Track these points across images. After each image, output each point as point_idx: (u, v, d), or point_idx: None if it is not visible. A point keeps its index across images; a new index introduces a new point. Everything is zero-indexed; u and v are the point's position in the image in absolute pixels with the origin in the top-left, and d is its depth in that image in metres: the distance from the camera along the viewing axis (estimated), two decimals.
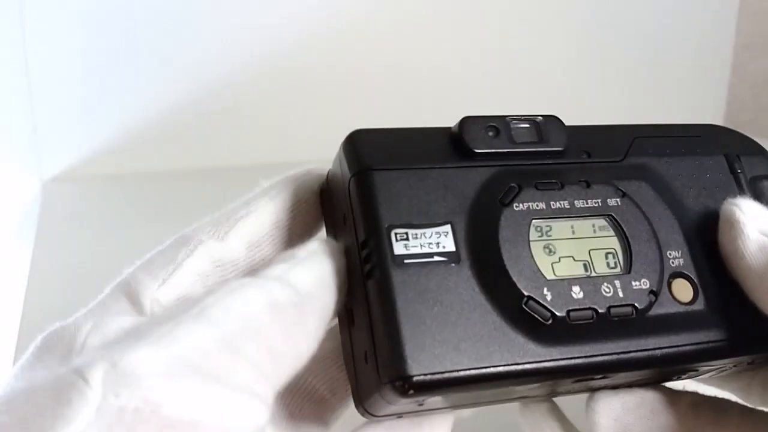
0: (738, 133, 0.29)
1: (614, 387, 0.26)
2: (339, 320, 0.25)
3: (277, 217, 0.24)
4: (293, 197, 0.25)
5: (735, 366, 0.26)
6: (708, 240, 0.25)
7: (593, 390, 0.26)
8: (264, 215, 0.24)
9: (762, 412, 0.27)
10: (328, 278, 0.22)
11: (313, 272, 0.22)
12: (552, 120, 0.26)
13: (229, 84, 0.70)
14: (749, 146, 0.29)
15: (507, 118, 0.26)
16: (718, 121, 0.92)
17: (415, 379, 0.20)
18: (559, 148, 0.26)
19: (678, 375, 0.26)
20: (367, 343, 0.22)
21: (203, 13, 0.68)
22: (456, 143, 0.25)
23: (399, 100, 0.73)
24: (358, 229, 0.23)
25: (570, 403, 0.27)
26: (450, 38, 0.75)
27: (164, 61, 0.68)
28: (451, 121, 0.26)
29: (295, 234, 0.25)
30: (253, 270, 0.23)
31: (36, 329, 0.20)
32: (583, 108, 0.82)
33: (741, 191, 0.27)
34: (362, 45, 0.72)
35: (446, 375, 0.21)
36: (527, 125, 0.26)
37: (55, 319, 0.21)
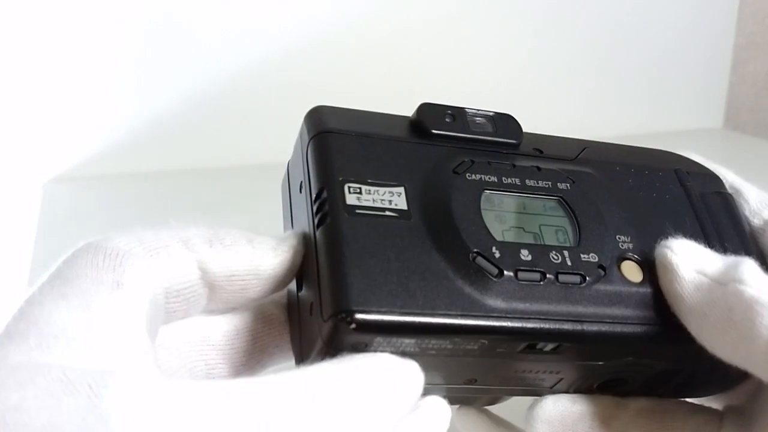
0: (688, 158, 0.30)
1: (555, 386, 0.26)
2: (288, 309, 0.25)
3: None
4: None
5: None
6: (657, 237, 0.25)
7: (537, 388, 0.26)
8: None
9: (707, 412, 0.27)
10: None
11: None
12: (508, 117, 0.27)
13: (230, 85, 0.70)
14: (699, 167, 0.29)
15: (465, 109, 0.26)
16: (719, 120, 0.92)
17: (357, 315, 0.20)
18: (514, 141, 0.26)
19: (614, 366, 0.25)
20: (313, 294, 0.22)
21: (204, 15, 0.68)
22: (414, 125, 0.26)
23: (400, 100, 0.72)
24: (312, 184, 0.23)
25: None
26: (450, 40, 0.75)
27: (164, 62, 0.68)
28: None
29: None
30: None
31: None
32: (582, 107, 0.82)
33: (691, 203, 0.27)
34: (363, 45, 0.72)
35: (389, 316, 0.21)
36: (483, 118, 0.26)
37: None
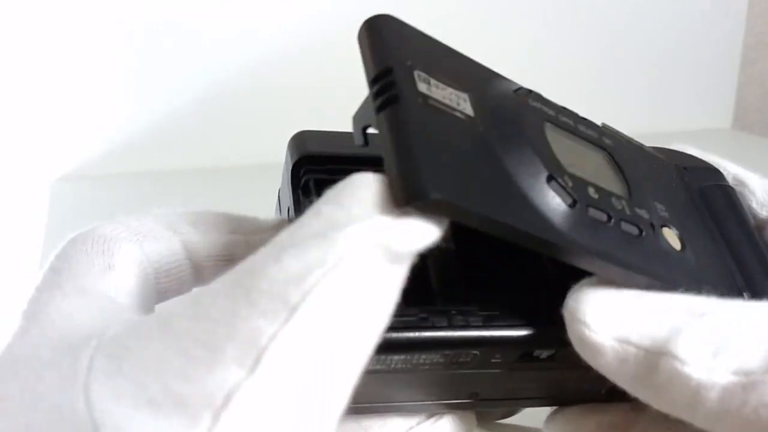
0: (684, 152, 0.29)
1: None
2: None
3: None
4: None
5: None
6: (676, 221, 0.25)
7: (545, 399, 0.25)
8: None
9: None
10: None
11: None
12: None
13: (234, 84, 0.71)
14: (696, 160, 0.29)
15: None
16: (727, 120, 0.91)
17: (432, 195, 0.17)
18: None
19: None
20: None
21: (207, 16, 0.68)
22: None
23: None
24: (369, 69, 0.20)
25: None
26: (452, 40, 0.75)
27: (171, 61, 0.69)
28: None
29: None
30: None
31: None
32: (590, 107, 0.82)
33: (690, 198, 0.27)
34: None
35: (462, 205, 0.18)
36: None
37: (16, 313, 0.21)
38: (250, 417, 0.15)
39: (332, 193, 0.17)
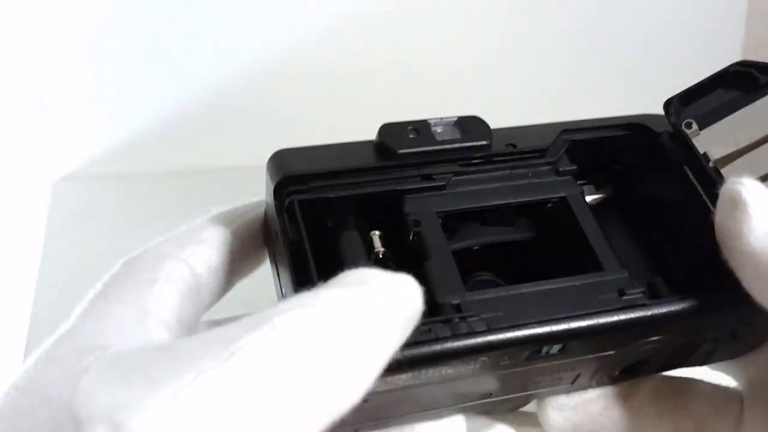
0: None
1: (576, 382, 0.26)
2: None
3: (230, 247, 0.25)
4: (242, 229, 0.26)
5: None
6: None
7: (558, 388, 0.26)
8: (219, 244, 0.25)
9: (727, 392, 0.26)
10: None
11: None
12: (473, 119, 0.26)
13: (236, 85, 0.71)
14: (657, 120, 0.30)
15: (427, 121, 0.26)
16: None
17: None
18: (484, 142, 0.26)
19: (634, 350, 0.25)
20: None
21: (210, 15, 0.68)
22: (379, 148, 0.25)
23: (402, 100, 0.72)
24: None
25: None
26: (452, 35, 0.75)
27: (172, 61, 0.69)
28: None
29: (239, 259, 0.26)
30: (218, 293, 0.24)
31: (45, 328, 0.20)
32: (590, 107, 0.82)
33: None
34: (364, 45, 0.72)
35: None
36: (448, 125, 0.26)
37: (64, 319, 0.21)
38: (212, 397, 0.16)
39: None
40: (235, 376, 0.16)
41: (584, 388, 0.26)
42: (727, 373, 0.28)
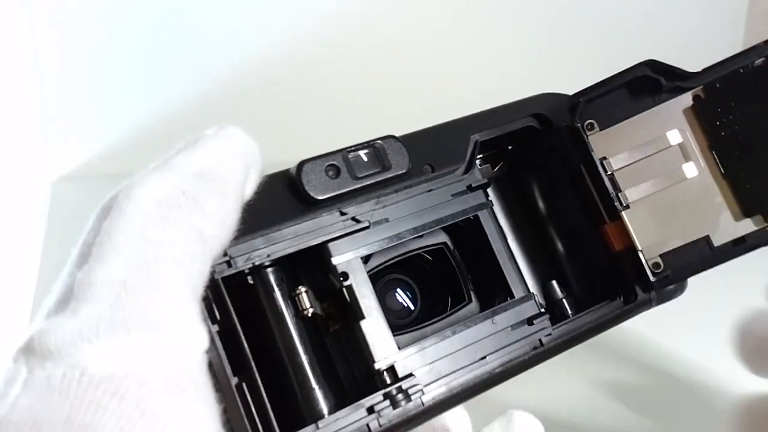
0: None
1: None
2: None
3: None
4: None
5: None
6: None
7: None
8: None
9: None
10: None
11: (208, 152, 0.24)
12: (391, 142, 0.27)
13: (236, 84, 0.71)
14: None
15: (346, 152, 0.26)
16: None
17: None
18: (402, 171, 0.27)
19: None
20: None
21: (210, 15, 0.68)
22: (299, 194, 0.25)
23: (402, 99, 0.73)
24: None
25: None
26: (454, 34, 0.75)
27: (172, 61, 0.69)
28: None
29: None
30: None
31: None
32: None
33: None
34: (364, 45, 0.72)
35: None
36: (367, 155, 0.26)
37: None
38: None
39: None
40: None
41: None
42: None
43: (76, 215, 0.63)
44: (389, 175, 0.26)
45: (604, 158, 0.29)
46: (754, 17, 0.88)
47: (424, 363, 0.25)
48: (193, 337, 0.19)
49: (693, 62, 0.90)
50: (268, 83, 0.71)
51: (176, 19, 0.67)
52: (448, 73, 0.75)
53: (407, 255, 0.28)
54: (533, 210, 0.31)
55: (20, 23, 0.63)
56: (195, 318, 0.19)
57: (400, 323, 0.28)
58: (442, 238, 0.29)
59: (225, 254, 0.24)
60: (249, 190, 0.23)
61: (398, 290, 0.29)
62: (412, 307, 0.29)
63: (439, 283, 0.30)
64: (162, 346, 0.18)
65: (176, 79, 0.69)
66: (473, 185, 0.28)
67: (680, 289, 0.30)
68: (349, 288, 0.25)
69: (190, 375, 0.18)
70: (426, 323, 0.28)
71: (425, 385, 0.25)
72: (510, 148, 0.32)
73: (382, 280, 0.28)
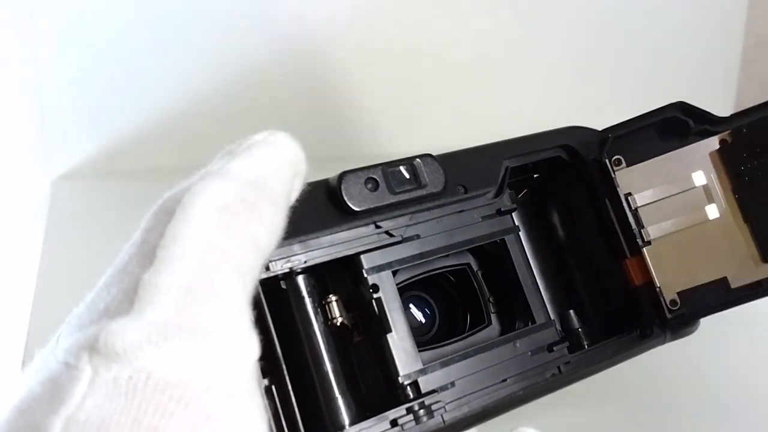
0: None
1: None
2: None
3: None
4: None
5: None
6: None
7: None
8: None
9: None
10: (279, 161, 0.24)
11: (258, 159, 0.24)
12: (428, 161, 0.28)
13: (237, 84, 0.71)
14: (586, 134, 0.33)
15: (386, 167, 0.27)
16: None
17: None
18: (436, 190, 0.28)
19: None
20: None
21: (210, 14, 0.68)
22: (338, 204, 0.26)
23: (403, 98, 0.73)
24: None
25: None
26: (455, 33, 0.75)
27: (173, 60, 0.69)
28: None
29: None
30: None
31: (45, 327, 0.21)
32: (589, 106, 0.82)
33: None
34: (364, 44, 0.72)
35: None
36: (405, 170, 0.27)
37: (65, 317, 0.21)
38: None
39: None
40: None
41: None
42: None
43: (75, 214, 0.64)
44: (424, 192, 0.27)
45: (629, 194, 0.30)
46: (754, 17, 0.88)
47: (447, 381, 0.26)
48: (250, 345, 0.19)
49: (693, 62, 0.90)
50: (270, 83, 0.71)
51: (176, 19, 0.67)
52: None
53: (432, 273, 0.29)
54: (554, 238, 0.32)
55: (20, 23, 0.63)
56: (250, 326, 0.20)
57: (419, 340, 0.29)
58: (467, 259, 0.30)
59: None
60: (293, 197, 0.24)
61: (418, 307, 0.30)
62: (431, 325, 0.30)
63: (459, 302, 0.30)
64: (224, 354, 0.18)
65: (176, 79, 0.69)
66: (502, 209, 0.29)
67: (693, 327, 0.31)
68: (379, 300, 0.25)
69: (247, 383, 0.19)
70: (446, 342, 0.28)
71: (447, 403, 0.25)
72: (536, 176, 0.33)
73: (404, 295, 0.28)
